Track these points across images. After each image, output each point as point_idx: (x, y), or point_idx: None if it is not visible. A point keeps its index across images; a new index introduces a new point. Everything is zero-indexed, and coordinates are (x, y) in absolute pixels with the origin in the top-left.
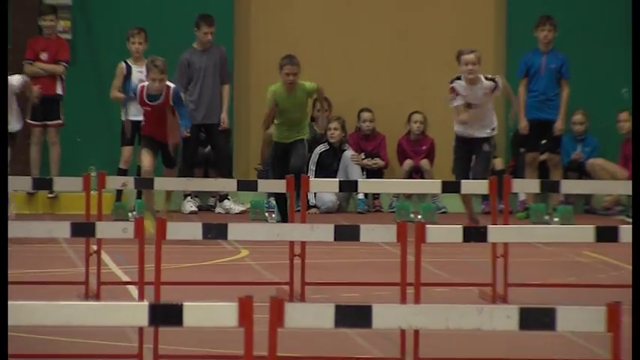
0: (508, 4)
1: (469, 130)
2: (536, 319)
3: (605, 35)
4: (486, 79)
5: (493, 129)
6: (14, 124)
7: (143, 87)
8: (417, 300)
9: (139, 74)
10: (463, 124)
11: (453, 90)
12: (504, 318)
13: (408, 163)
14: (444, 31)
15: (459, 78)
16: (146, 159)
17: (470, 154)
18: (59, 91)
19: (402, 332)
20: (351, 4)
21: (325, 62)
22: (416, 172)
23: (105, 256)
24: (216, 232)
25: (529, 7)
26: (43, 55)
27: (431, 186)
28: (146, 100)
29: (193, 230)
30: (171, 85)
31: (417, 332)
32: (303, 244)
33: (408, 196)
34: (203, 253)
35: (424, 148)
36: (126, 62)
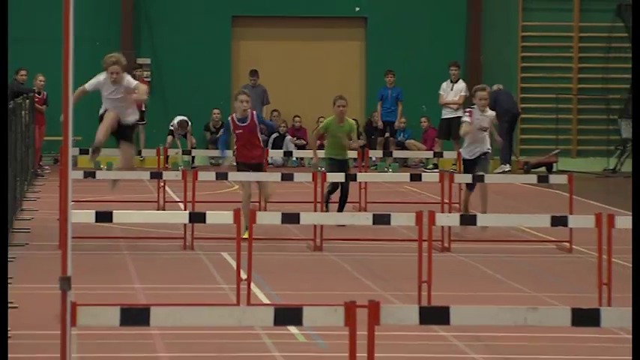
0: (367, 60)
1: (475, 151)
2: None
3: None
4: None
5: (489, 148)
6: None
7: (233, 116)
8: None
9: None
10: (469, 144)
11: (470, 113)
12: None
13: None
14: (333, 71)
15: (473, 106)
16: (247, 190)
17: (474, 168)
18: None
19: None
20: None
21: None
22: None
23: None
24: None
25: (380, 62)
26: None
27: None
28: (237, 123)
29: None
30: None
31: None
32: None
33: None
34: None
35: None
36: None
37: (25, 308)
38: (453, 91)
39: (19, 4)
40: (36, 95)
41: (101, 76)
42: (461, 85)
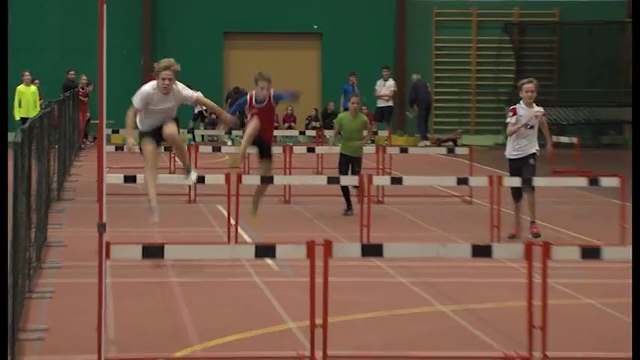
0: (322, 64)
1: (521, 152)
2: None
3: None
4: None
5: (537, 149)
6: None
7: (252, 93)
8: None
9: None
10: (516, 146)
11: (514, 111)
12: None
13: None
14: (298, 72)
15: (518, 102)
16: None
17: (520, 171)
18: None
19: None
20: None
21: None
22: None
23: None
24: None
25: (332, 66)
26: None
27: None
28: (253, 104)
29: None
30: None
31: None
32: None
33: None
34: None
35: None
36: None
37: (71, 246)
38: (385, 87)
39: (70, 23)
40: (80, 90)
41: (147, 87)
42: (390, 82)
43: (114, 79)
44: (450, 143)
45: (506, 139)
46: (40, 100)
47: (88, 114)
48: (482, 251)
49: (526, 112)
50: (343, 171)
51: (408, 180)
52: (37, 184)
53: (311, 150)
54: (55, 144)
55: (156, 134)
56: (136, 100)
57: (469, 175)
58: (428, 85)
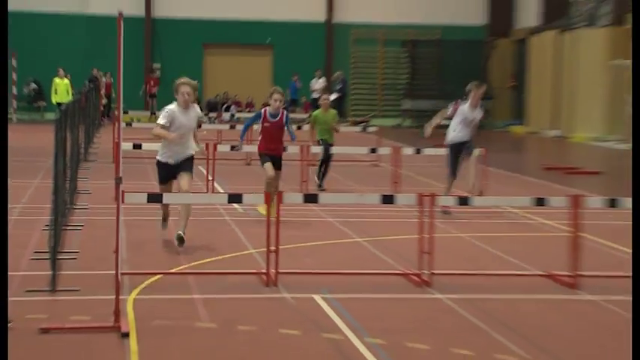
0: (274, 68)
1: (460, 138)
2: None
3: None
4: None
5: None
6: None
7: (266, 109)
8: None
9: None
10: (458, 133)
11: (457, 105)
12: None
13: None
14: (257, 73)
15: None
16: (270, 169)
17: (460, 153)
18: None
19: None
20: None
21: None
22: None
23: None
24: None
25: (281, 69)
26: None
27: None
28: (267, 118)
29: None
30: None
31: None
32: None
33: None
34: None
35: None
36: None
37: (95, 193)
38: (317, 83)
39: (94, 33)
40: (100, 81)
41: (170, 106)
42: (321, 80)
43: (125, 75)
44: (364, 124)
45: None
46: (72, 89)
47: (105, 99)
48: (388, 199)
49: (470, 111)
50: (325, 154)
51: (335, 149)
52: (70, 149)
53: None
54: (83, 121)
55: (171, 175)
56: (162, 119)
57: (377, 147)
58: (346, 80)
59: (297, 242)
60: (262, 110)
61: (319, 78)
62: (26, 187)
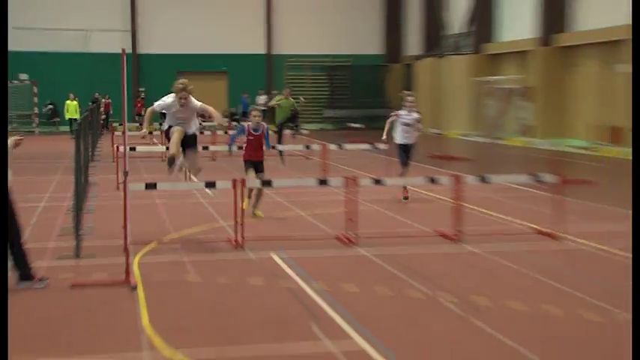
0: (228, 88)
1: (406, 140)
2: None
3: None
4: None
5: (416, 138)
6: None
7: (249, 124)
8: None
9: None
10: (404, 135)
11: (397, 114)
12: None
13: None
14: (216, 93)
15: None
16: (252, 179)
17: (407, 151)
18: None
19: None
20: None
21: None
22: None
23: None
24: None
25: (234, 89)
26: None
27: None
28: (251, 132)
29: None
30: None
31: None
32: None
33: None
34: None
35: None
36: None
37: (102, 184)
38: (261, 99)
39: (97, 64)
40: (100, 102)
41: (168, 99)
42: (263, 96)
43: (119, 96)
44: (295, 129)
45: (390, 129)
46: (79, 108)
47: (104, 115)
48: (322, 182)
49: (408, 115)
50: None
51: (280, 147)
52: (84, 151)
53: (226, 132)
54: (90, 131)
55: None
56: (157, 105)
57: (309, 144)
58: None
59: (260, 231)
60: (246, 125)
61: (262, 95)
62: (50, 182)
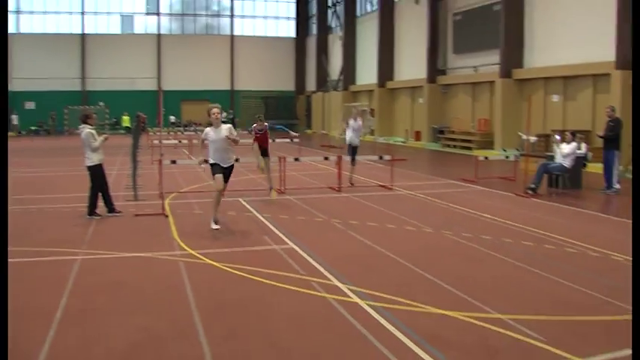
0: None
1: (355, 142)
2: None
3: None
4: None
5: (359, 140)
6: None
7: (255, 127)
8: None
9: None
10: (353, 138)
11: (347, 122)
12: None
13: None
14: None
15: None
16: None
17: (354, 151)
18: None
19: None
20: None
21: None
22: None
23: None
24: None
25: None
26: None
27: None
28: (257, 133)
29: None
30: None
31: None
32: None
33: None
34: None
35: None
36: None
37: (143, 162)
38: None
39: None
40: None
41: (207, 129)
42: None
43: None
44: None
45: (344, 133)
46: (130, 120)
47: (142, 124)
48: (264, 153)
49: (354, 122)
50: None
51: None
52: (134, 142)
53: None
54: (136, 132)
55: (222, 170)
56: (203, 134)
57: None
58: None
59: (234, 187)
60: (253, 126)
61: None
62: (115, 161)
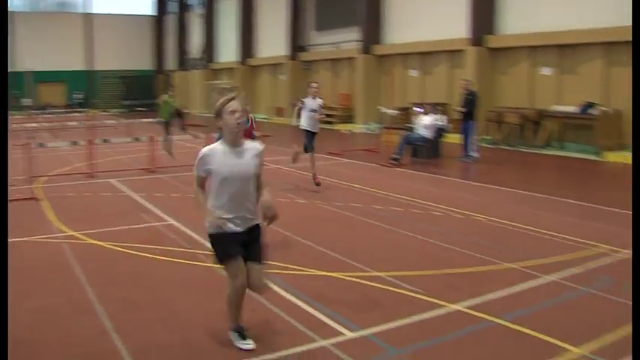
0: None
1: (311, 127)
2: None
3: None
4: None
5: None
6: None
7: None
8: None
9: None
10: (309, 122)
11: (302, 101)
12: None
13: None
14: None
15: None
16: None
17: (312, 136)
18: None
19: None
20: None
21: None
22: None
23: None
24: None
25: None
26: None
27: None
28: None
29: None
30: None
31: None
32: None
33: None
34: None
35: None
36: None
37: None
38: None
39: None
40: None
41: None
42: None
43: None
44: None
45: (298, 117)
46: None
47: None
48: (136, 139)
49: (312, 102)
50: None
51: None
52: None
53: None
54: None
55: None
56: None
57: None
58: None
59: (104, 168)
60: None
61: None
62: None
